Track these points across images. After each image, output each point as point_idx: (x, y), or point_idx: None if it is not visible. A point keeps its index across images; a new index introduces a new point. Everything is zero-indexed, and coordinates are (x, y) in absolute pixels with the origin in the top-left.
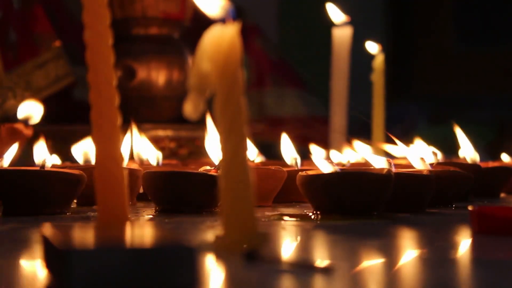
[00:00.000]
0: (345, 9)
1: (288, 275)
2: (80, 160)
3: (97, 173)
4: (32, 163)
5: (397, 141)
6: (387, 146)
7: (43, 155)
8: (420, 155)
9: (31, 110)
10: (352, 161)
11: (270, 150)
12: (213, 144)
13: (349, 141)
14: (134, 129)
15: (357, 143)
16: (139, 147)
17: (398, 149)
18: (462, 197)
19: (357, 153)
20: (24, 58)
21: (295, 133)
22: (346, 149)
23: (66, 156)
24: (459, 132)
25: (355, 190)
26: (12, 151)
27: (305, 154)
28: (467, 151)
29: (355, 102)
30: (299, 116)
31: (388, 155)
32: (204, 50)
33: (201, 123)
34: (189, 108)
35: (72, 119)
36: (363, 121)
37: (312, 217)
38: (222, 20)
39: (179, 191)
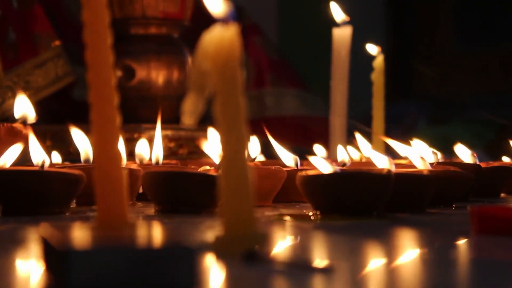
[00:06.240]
0: (345, 9)
1: (287, 275)
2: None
3: (97, 173)
4: (28, 162)
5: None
6: (388, 140)
7: (39, 153)
8: (420, 154)
9: (25, 109)
10: (352, 160)
11: (270, 150)
12: (211, 144)
13: (349, 141)
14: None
15: (359, 137)
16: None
17: (399, 145)
18: (462, 197)
19: (359, 150)
20: (24, 57)
21: (295, 133)
22: (346, 148)
23: (66, 155)
24: (457, 136)
25: (355, 190)
26: (14, 151)
27: (304, 154)
28: (464, 155)
29: (355, 102)
30: (299, 116)
31: (389, 151)
32: (204, 49)
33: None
34: (188, 108)
35: (72, 119)
36: (362, 122)
37: (312, 217)
38: (223, 20)
39: (179, 191)
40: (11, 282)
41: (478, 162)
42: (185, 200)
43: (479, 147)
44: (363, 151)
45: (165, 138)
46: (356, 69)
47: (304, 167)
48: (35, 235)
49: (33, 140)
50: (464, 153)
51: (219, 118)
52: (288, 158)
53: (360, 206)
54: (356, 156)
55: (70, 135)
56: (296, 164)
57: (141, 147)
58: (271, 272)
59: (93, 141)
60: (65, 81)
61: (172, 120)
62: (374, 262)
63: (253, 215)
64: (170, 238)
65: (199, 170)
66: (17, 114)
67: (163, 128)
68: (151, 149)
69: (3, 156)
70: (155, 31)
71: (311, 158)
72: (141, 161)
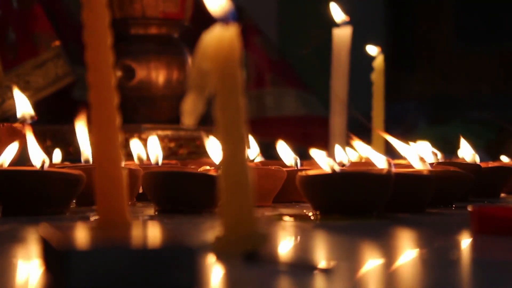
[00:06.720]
0: (345, 9)
1: (287, 275)
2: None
3: (97, 173)
4: (28, 162)
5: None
6: (389, 137)
7: (38, 153)
8: (420, 154)
9: (24, 107)
10: (352, 160)
11: (270, 150)
12: (214, 144)
13: (349, 141)
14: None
15: (357, 143)
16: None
17: (399, 143)
18: (462, 197)
19: (358, 151)
20: (24, 57)
21: (295, 133)
22: (347, 149)
23: (66, 155)
24: (460, 135)
25: (355, 190)
26: (11, 150)
27: (304, 154)
28: (466, 153)
29: (355, 102)
30: (298, 116)
31: (389, 151)
32: (204, 49)
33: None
34: (188, 108)
35: (72, 119)
36: (362, 122)
37: (312, 217)
38: (223, 20)
39: (179, 191)
40: (11, 282)
41: (478, 162)
42: (185, 200)
43: (479, 147)
44: (361, 153)
45: (165, 138)
46: (356, 69)
47: (304, 167)
48: (35, 235)
49: (31, 140)
50: (467, 149)
51: (219, 118)
52: (288, 157)
53: (360, 206)
54: (355, 156)
55: (70, 135)
56: (296, 164)
57: (136, 147)
58: (271, 272)
59: (93, 141)
60: (65, 81)
61: (172, 120)
62: (374, 262)
63: (253, 215)
64: (170, 238)
65: (199, 170)
66: (18, 113)
67: (163, 128)
68: (145, 148)
69: (1, 155)
70: (155, 31)
71: (313, 152)
72: (140, 161)
